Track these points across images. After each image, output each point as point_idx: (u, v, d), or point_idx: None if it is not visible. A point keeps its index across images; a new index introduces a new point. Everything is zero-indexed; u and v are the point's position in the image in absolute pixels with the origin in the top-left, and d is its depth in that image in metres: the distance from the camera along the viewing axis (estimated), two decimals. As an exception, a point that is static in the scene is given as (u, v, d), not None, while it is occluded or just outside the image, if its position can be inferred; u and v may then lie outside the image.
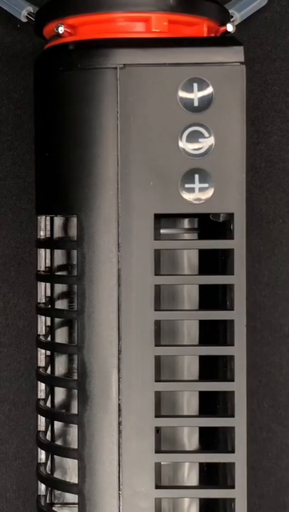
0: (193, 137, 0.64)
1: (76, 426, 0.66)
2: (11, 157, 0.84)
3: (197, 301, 0.76)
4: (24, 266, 0.85)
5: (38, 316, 0.72)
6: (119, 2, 0.66)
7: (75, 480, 0.66)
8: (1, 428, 0.85)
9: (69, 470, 0.77)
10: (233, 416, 0.65)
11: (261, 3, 0.81)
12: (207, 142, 0.64)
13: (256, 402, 0.85)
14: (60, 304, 0.76)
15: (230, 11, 0.78)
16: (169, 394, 0.75)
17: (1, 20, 0.83)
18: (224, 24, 0.70)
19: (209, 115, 0.64)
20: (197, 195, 0.64)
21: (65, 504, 0.77)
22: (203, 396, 0.76)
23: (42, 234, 0.71)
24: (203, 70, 0.64)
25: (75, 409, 0.66)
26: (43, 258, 0.72)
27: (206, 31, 0.69)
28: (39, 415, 0.71)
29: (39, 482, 0.71)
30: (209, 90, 0.64)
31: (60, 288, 0.75)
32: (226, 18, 0.72)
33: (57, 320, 0.75)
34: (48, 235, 0.72)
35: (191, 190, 0.64)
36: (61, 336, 0.76)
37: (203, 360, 0.75)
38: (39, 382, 0.72)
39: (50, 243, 0.73)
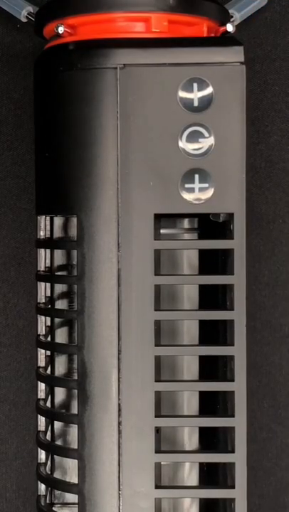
0: (193, 137, 0.64)
1: (76, 426, 0.66)
2: (11, 157, 0.84)
3: (197, 301, 0.76)
4: (24, 266, 0.85)
5: (38, 316, 0.72)
6: (119, 2, 0.66)
7: (75, 480, 0.66)
8: (1, 428, 0.85)
9: (69, 470, 0.77)
10: (233, 416, 0.65)
11: (261, 3, 0.81)
12: (207, 142, 0.64)
13: (256, 402, 0.85)
14: (60, 304, 0.76)
15: (230, 11, 0.78)
16: (169, 394, 0.75)
17: (1, 20, 0.83)
18: (224, 24, 0.70)
19: (209, 115, 0.64)
20: (197, 195, 0.64)
21: (65, 504, 0.77)
22: (203, 396, 0.76)
23: (42, 234, 0.71)
24: (203, 70, 0.64)
25: (75, 409, 0.66)
26: (43, 258, 0.72)
27: (206, 31, 0.69)
28: (39, 415, 0.71)
29: (39, 482, 0.71)
30: (209, 90, 0.64)
31: (60, 288, 0.75)
32: (226, 18, 0.72)
33: (57, 320, 0.75)
34: (48, 235, 0.72)
35: (191, 190, 0.64)
36: (61, 335, 0.76)
37: (203, 360, 0.75)
38: (39, 382, 0.72)
39: (50, 243, 0.73)
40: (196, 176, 0.64)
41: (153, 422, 0.64)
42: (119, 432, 0.65)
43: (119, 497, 0.65)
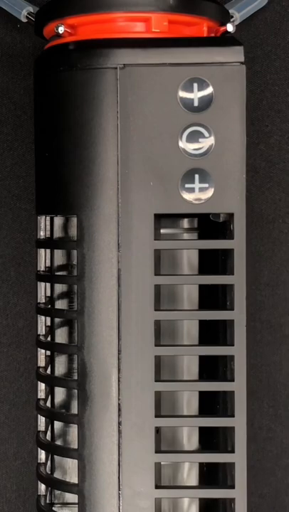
0: (193, 137, 0.64)
1: (76, 426, 0.66)
2: (11, 157, 0.84)
3: (197, 301, 0.76)
4: (24, 266, 0.85)
5: (38, 316, 0.72)
6: (119, 2, 0.66)
7: (75, 480, 0.66)
8: (1, 428, 0.85)
9: (69, 470, 0.77)
10: (233, 416, 0.65)
11: (261, 3, 0.81)
12: (207, 142, 0.64)
13: (256, 402, 0.85)
14: (60, 304, 0.76)
15: (230, 11, 0.78)
16: (169, 394, 0.75)
17: (1, 20, 0.83)
18: (224, 24, 0.70)
19: (209, 115, 0.64)
20: (197, 195, 0.64)
21: (65, 504, 0.77)
22: (203, 396, 0.76)
23: (42, 234, 0.71)
24: (203, 70, 0.64)
25: (75, 409, 0.66)
26: (43, 258, 0.72)
27: (206, 31, 0.69)
28: (39, 415, 0.71)
29: (39, 482, 0.71)
30: (209, 90, 0.64)
31: (60, 288, 0.75)
32: (226, 18, 0.72)
33: (57, 320, 0.75)
34: (48, 235, 0.72)
35: (191, 190, 0.64)
36: (61, 335, 0.76)
37: (203, 360, 0.75)
38: (39, 382, 0.72)
39: (50, 243, 0.73)
40: (196, 176, 0.64)
41: (153, 422, 0.64)
42: (119, 432, 0.65)
43: (119, 497, 0.65)
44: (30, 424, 0.84)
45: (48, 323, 0.73)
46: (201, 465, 0.77)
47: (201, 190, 0.64)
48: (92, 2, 0.67)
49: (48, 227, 0.72)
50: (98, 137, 0.64)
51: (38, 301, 0.71)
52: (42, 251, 0.72)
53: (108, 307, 0.65)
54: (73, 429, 0.75)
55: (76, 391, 0.66)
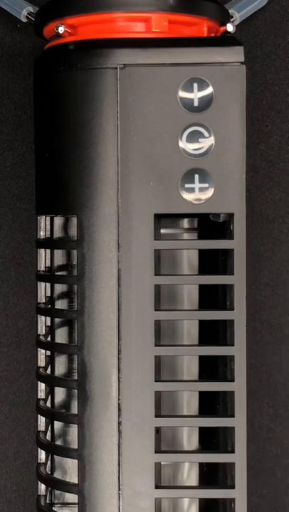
0: (193, 137, 0.64)
1: (76, 426, 0.66)
2: (11, 157, 0.84)
3: (197, 301, 0.76)
4: (24, 266, 0.85)
5: (38, 316, 0.72)
6: (119, 2, 0.66)
7: (75, 480, 0.66)
8: (1, 428, 0.85)
9: (69, 470, 0.77)
10: (233, 416, 0.65)
11: (261, 3, 0.81)
12: (207, 142, 0.64)
13: (256, 402, 0.85)
14: (60, 304, 0.76)
15: (230, 11, 0.78)
16: (169, 394, 0.75)
17: (1, 20, 0.83)
18: (224, 24, 0.70)
19: (209, 115, 0.64)
20: (197, 195, 0.64)
21: (65, 504, 0.77)
22: (203, 396, 0.76)
23: (42, 234, 0.71)
24: (203, 70, 0.64)
25: (75, 409, 0.66)
26: (43, 258, 0.72)
27: (206, 31, 0.69)
28: (39, 415, 0.71)
29: (39, 482, 0.71)
30: (209, 90, 0.64)
31: (60, 288, 0.75)
32: (226, 18, 0.72)
33: (57, 320, 0.75)
34: (48, 235, 0.72)
35: (191, 190, 0.64)
36: (61, 335, 0.76)
37: (203, 360, 0.75)
38: (39, 382, 0.72)
39: (50, 243, 0.73)
40: (196, 176, 0.64)
41: (153, 422, 0.64)
42: (119, 432, 0.65)
43: (119, 497, 0.65)
44: (30, 424, 0.84)
45: (48, 323, 0.73)
46: (201, 465, 0.77)
47: (201, 190, 0.64)
48: (92, 2, 0.67)
49: (48, 227, 0.72)
50: (98, 137, 0.64)
51: (38, 301, 0.71)
52: (42, 251, 0.72)
53: (108, 307, 0.65)
54: (73, 429, 0.75)
55: (76, 391, 0.66)
